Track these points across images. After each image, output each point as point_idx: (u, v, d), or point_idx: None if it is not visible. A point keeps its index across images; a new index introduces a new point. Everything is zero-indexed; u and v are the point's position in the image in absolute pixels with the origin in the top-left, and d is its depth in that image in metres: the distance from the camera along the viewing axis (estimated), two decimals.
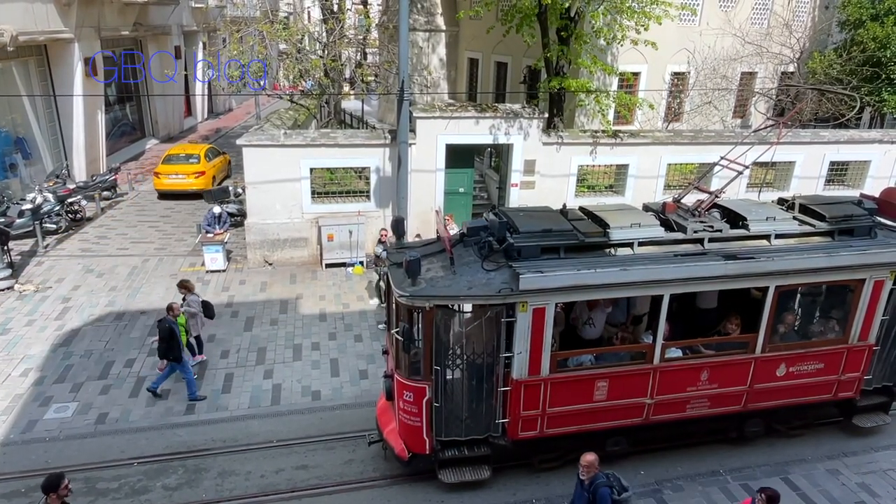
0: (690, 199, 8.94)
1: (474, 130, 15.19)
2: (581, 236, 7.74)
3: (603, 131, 16.06)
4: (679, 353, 8.35)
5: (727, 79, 21.93)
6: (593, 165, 16.59)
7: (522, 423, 7.91)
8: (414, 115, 14.72)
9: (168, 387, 10.35)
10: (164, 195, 20.27)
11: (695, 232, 8.05)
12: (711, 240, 8.08)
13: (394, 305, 7.95)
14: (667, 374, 8.17)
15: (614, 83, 20.03)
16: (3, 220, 15.06)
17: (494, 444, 7.99)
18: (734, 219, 8.43)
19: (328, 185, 15.91)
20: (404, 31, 13.66)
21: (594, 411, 8.09)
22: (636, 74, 21.48)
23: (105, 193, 19.77)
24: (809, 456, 9.10)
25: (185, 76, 31.83)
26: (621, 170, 16.75)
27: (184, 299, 10.79)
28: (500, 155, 17.15)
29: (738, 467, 8.83)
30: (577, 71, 17.06)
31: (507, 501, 8.12)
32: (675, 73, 22.14)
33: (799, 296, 9.18)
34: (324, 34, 20.11)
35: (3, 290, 13.47)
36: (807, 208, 8.77)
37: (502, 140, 15.46)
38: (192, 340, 10.83)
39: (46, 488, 6.14)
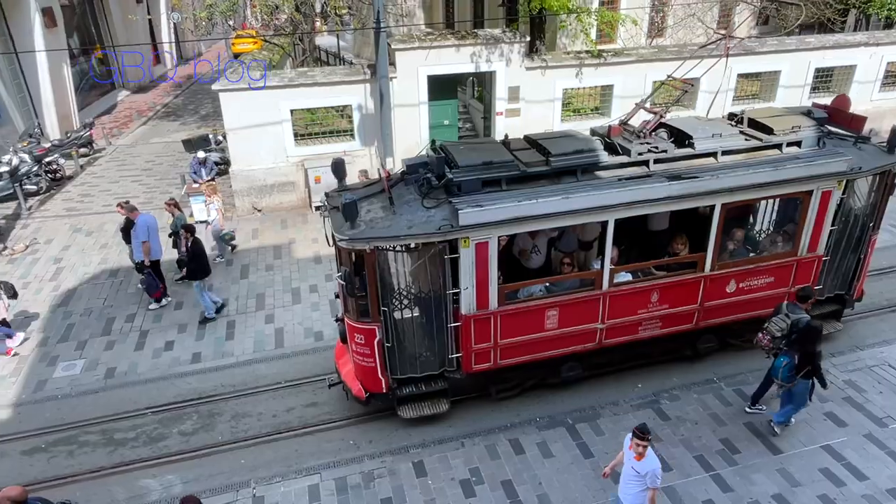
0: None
1: (455, 59, 14.81)
2: (523, 167, 7.61)
3: (587, 52, 15.72)
4: (629, 277, 8.40)
5: None
6: (578, 88, 16.33)
7: (475, 357, 8.02)
8: (392, 47, 14.30)
9: (172, 338, 10.50)
10: (237, 55, 26.25)
11: (639, 154, 7.94)
12: (657, 161, 7.97)
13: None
14: (617, 299, 8.22)
15: (596, 0, 19.46)
16: None
17: (451, 378, 8.15)
18: (681, 138, 8.30)
19: (310, 127, 15.60)
20: None
21: (546, 340, 8.20)
22: None
23: (82, 150, 19.32)
24: None
25: (150, 21, 30.53)
26: (606, 91, 16.51)
27: None
28: (483, 84, 16.81)
29: (732, 374, 9.20)
30: None
31: (471, 431, 8.36)
32: None
33: (747, 212, 9.12)
34: None
35: None
36: (755, 122, 8.64)
37: (484, 68, 15.12)
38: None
39: None
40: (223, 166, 16.56)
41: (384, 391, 8.06)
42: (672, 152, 8.06)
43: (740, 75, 17.12)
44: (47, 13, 19.86)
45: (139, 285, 11.65)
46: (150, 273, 11.19)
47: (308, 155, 14.92)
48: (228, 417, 8.77)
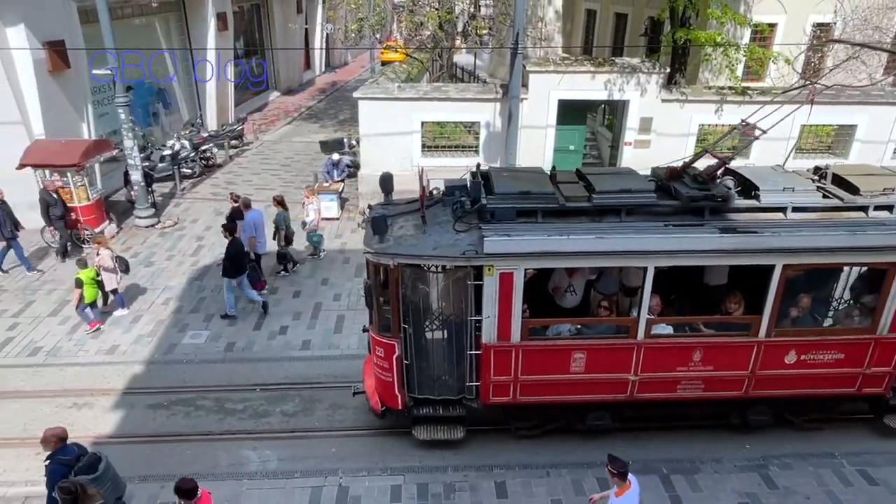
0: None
1: (589, 86, 14.71)
2: (562, 200, 7.31)
3: (730, 88, 15.00)
4: (670, 330, 7.78)
5: (880, 30, 19.55)
6: (716, 125, 15.59)
7: (494, 388, 7.75)
8: (527, 69, 14.47)
9: (287, 323, 11.21)
10: (384, 63, 27.83)
11: (692, 201, 7.34)
12: (714, 210, 7.34)
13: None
14: (652, 351, 7.63)
15: (746, 35, 18.52)
16: (147, 164, 16.62)
17: (469, 407, 7.95)
18: (748, 188, 7.59)
19: (438, 140, 16.11)
20: None
21: (571, 383, 7.79)
22: (772, 26, 19.68)
23: (233, 142, 21.24)
24: None
25: (306, 30, 33.00)
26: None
27: (97, 254, 10.93)
28: (613, 112, 16.53)
29: (857, 452, 8.30)
30: (704, 22, 15.91)
31: (558, 461, 8.15)
32: (819, 25, 20.04)
33: (815, 277, 8.10)
34: None
35: (147, 226, 15.03)
36: (841, 179, 7.72)
37: (617, 96, 14.88)
38: (110, 292, 11.20)
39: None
40: (353, 169, 17.50)
41: (400, 408, 8.00)
42: (732, 202, 7.42)
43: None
44: (221, 17, 22.12)
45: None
46: (255, 266, 11.91)
47: (432, 166, 15.33)
48: (327, 406, 9.20)
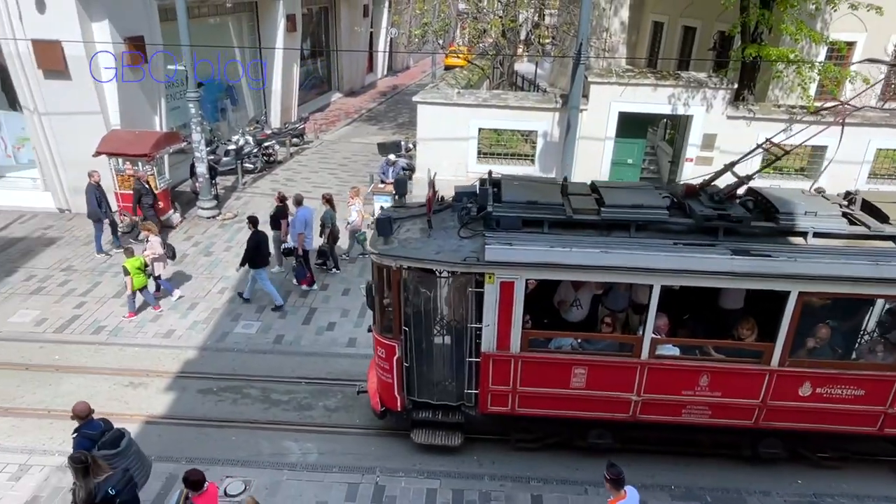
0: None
1: (651, 99, 14.45)
2: (570, 212, 7.18)
3: (802, 107, 14.44)
4: (676, 352, 7.49)
5: None
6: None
7: (492, 398, 7.67)
8: (588, 79, 14.32)
9: (335, 320, 11.41)
10: (448, 67, 31.40)
11: (706, 220, 7.07)
12: (728, 231, 7.04)
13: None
14: (656, 372, 7.39)
15: (821, 53, 17.79)
16: (213, 157, 17.24)
17: (468, 414, 7.88)
18: (769, 210, 7.28)
19: (494, 147, 16.12)
20: None
21: (571, 398, 7.61)
22: (850, 44, 18.85)
23: (294, 140, 21.79)
24: None
25: (371, 33, 33.61)
26: (817, 152, 14.99)
27: (147, 240, 11.43)
28: (676, 127, 16.15)
29: None
30: (777, 38, 15.37)
31: (598, 480, 7.80)
32: None
33: (835, 307, 7.70)
34: None
35: (209, 217, 15.59)
36: (870, 206, 7.31)
37: (681, 111, 14.55)
38: (157, 279, 11.62)
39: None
40: (408, 172, 17.67)
41: (399, 410, 8.03)
42: (749, 224, 7.13)
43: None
44: (290, 19, 22.78)
45: (293, 266, 12.74)
46: (301, 262, 12.21)
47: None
48: (368, 403, 9.27)
